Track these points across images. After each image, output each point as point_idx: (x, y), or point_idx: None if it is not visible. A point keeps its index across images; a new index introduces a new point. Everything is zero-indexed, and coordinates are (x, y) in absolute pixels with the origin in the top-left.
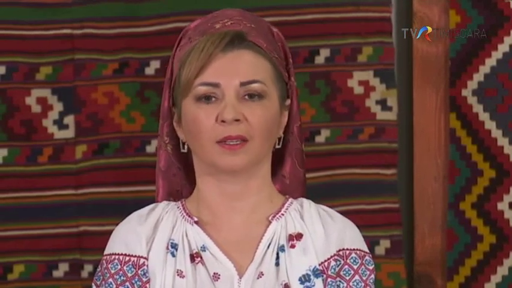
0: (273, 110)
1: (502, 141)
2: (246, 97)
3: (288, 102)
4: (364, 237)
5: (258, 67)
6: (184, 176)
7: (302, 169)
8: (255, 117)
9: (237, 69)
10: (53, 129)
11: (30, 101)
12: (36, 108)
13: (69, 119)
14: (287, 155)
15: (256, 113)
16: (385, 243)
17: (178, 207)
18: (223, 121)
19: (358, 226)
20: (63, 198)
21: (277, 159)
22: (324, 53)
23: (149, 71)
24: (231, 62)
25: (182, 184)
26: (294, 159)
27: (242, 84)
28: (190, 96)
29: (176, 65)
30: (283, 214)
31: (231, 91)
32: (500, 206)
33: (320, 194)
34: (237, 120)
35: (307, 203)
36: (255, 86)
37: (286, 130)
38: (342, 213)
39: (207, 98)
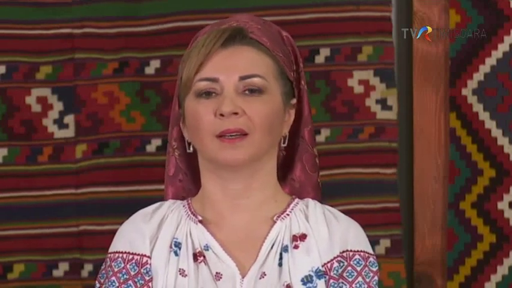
0: (274, 105)
1: (502, 141)
2: (246, 92)
3: (294, 101)
4: None
5: (259, 62)
6: (190, 181)
7: (313, 173)
8: (254, 111)
9: (237, 64)
10: (53, 128)
11: (30, 100)
12: (36, 108)
13: (69, 119)
14: (296, 159)
15: (256, 107)
16: (385, 243)
17: (184, 206)
18: (221, 115)
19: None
20: (63, 198)
21: (287, 163)
22: (324, 52)
23: (149, 70)
24: (231, 57)
25: (188, 189)
26: (304, 163)
27: (241, 78)
28: (192, 93)
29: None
30: (288, 214)
31: (230, 86)
32: (500, 205)
33: None
34: (236, 113)
35: (312, 203)
36: (254, 80)
37: (296, 134)
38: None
39: (206, 94)
